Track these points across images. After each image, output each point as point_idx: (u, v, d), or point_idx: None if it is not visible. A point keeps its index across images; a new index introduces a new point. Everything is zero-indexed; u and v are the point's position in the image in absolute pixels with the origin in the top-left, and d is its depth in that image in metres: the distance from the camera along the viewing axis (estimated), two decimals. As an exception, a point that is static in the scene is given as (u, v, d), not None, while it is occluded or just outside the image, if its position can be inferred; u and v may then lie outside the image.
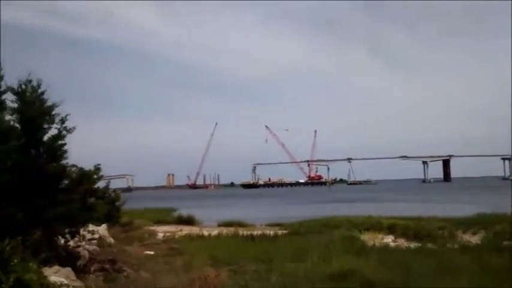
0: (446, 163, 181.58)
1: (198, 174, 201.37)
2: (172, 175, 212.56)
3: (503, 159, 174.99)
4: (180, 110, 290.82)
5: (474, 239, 17.40)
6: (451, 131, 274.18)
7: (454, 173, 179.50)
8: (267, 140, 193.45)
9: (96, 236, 14.71)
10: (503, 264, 11.14)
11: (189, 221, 29.38)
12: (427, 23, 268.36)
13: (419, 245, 16.05)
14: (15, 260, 7.61)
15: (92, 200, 11.27)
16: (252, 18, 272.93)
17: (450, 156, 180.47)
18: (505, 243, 15.05)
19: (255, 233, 19.50)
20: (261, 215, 32.95)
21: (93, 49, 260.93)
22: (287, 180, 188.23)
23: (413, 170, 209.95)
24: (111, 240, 15.66)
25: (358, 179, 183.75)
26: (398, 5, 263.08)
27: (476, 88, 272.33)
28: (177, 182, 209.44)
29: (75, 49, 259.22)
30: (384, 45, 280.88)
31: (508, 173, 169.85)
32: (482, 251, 13.31)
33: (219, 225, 26.03)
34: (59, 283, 8.33)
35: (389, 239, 18.60)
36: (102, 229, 15.49)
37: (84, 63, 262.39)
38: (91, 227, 13.40)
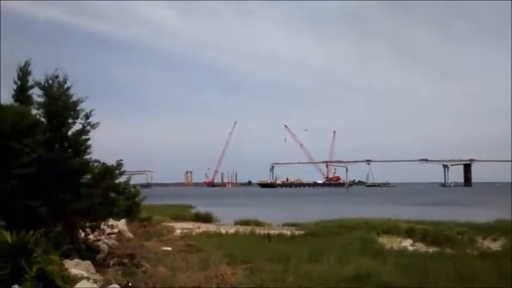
0: (467, 167, 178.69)
1: (216, 172, 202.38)
2: (191, 172, 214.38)
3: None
4: (200, 108, 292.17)
5: (494, 246, 17.13)
6: (474, 134, 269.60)
7: (475, 178, 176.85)
8: (285, 140, 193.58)
9: (116, 230, 14.97)
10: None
11: (206, 218, 29.50)
12: (454, 22, 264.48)
13: (438, 249, 15.87)
14: (38, 252, 7.82)
15: (113, 195, 11.43)
16: (273, 18, 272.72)
17: (472, 160, 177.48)
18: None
19: (271, 232, 19.52)
20: (277, 215, 32.89)
21: (115, 47, 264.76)
22: (305, 180, 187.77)
23: (433, 174, 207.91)
24: (130, 235, 15.90)
25: (377, 181, 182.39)
26: (423, 4, 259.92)
27: (503, 90, 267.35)
28: (195, 180, 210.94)
29: (98, 46, 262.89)
30: (408, 45, 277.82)
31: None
32: (502, 258, 13.10)
33: (236, 224, 26.13)
34: (79, 275, 8.51)
35: (407, 243, 18.40)
36: (121, 224, 15.74)
37: (103, 60, 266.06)
38: (111, 222, 13.58)
